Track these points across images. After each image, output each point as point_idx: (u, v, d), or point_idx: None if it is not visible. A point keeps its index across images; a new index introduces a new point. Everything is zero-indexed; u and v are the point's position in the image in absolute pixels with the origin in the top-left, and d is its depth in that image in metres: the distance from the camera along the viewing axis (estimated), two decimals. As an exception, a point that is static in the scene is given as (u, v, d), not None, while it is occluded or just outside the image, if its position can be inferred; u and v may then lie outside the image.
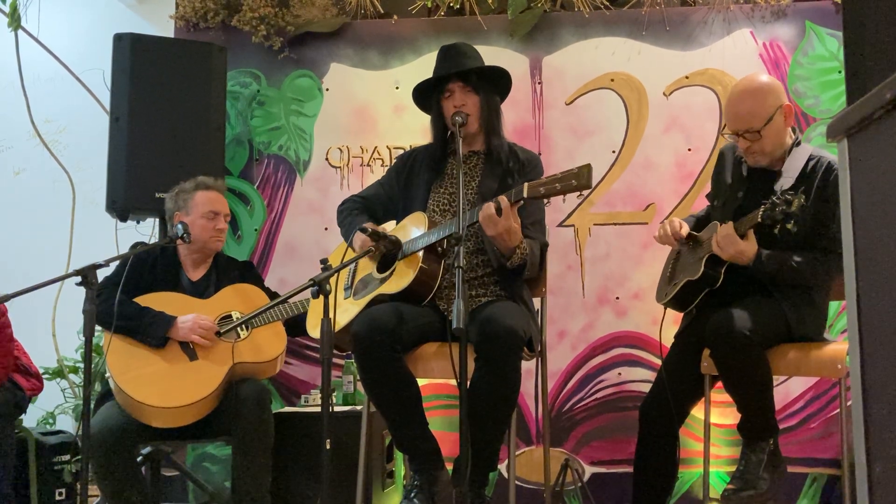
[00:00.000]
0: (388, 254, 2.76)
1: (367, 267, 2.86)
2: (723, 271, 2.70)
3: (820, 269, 2.65)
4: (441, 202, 2.84)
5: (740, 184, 2.83)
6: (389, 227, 2.89)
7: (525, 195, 2.49)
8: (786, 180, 2.67)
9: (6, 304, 3.23)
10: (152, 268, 3.17)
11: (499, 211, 2.50)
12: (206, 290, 3.18)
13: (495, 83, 2.91)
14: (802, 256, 2.65)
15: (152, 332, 2.95)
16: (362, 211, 2.96)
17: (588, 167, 2.39)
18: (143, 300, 3.04)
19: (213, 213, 3.18)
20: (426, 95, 2.94)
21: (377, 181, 3.10)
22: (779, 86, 2.76)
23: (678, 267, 2.91)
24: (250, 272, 3.35)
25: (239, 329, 3.04)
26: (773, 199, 2.49)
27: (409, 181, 2.94)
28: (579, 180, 2.39)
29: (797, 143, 2.77)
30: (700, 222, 2.98)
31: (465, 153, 2.88)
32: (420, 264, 2.62)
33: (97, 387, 3.64)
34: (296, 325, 3.09)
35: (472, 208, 2.65)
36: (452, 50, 2.89)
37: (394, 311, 2.59)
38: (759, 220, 2.52)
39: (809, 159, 2.71)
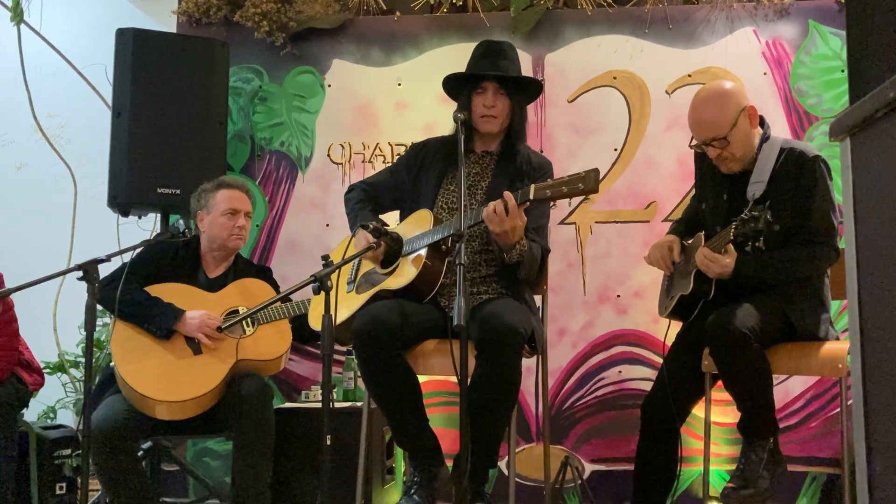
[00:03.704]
0: (390, 251, 2.76)
1: (370, 262, 2.86)
2: (713, 283, 2.70)
3: (803, 260, 2.65)
4: (449, 199, 2.83)
5: (722, 184, 2.81)
6: (394, 220, 2.89)
7: (531, 197, 2.49)
8: (757, 186, 2.67)
9: (10, 298, 3.24)
10: (172, 259, 3.19)
11: (505, 209, 2.50)
12: (221, 288, 3.18)
13: (526, 88, 2.90)
14: (783, 253, 2.66)
15: (159, 323, 2.96)
16: (368, 200, 2.95)
17: (596, 171, 2.38)
18: (152, 290, 3.06)
19: (232, 210, 3.18)
20: (457, 84, 2.90)
21: (387, 168, 3.08)
22: (739, 89, 2.74)
23: (674, 278, 2.91)
24: (267, 278, 3.33)
25: (245, 326, 3.04)
26: (742, 216, 2.50)
27: (420, 174, 2.92)
28: (586, 184, 2.38)
29: (766, 139, 2.74)
30: (689, 225, 2.97)
31: (479, 152, 2.89)
32: (423, 264, 2.62)
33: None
34: (303, 333, 3.09)
35: (477, 207, 2.65)
36: (494, 48, 2.86)
37: (395, 307, 2.59)
38: (732, 237, 2.54)
39: (780, 153, 2.70)
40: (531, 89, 2.93)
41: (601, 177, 3.81)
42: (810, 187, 2.64)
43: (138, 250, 2.97)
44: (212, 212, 3.18)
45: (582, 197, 2.46)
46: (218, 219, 3.16)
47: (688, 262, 2.81)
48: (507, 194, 2.52)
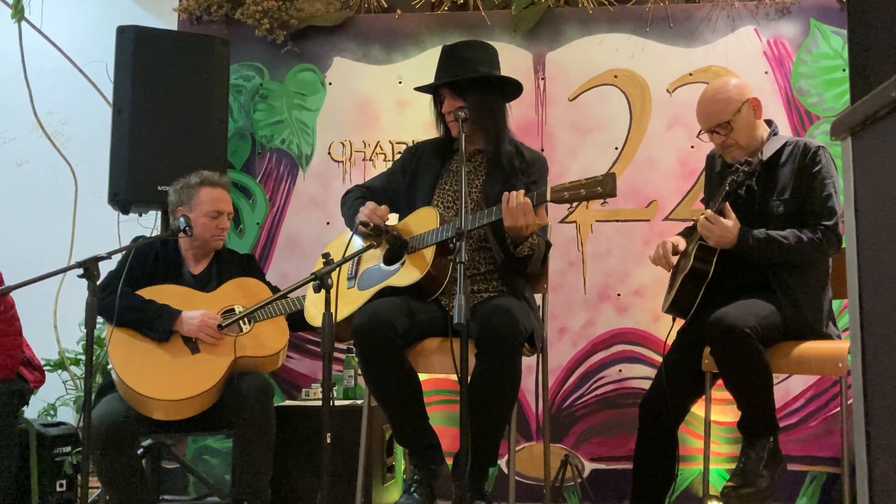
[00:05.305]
0: (392, 248, 2.75)
1: (371, 257, 2.85)
2: (714, 261, 2.70)
3: (805, 241, 2.66)
4: (445, 199, 2.83)
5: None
6: (394, 220, 2.88)
7: (548, 198, 2.48)
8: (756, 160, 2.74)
9: (11, 295, 3.24)
10: (154, 261, 3.17)
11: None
12: (208, 283, 3.18)
13: (496, 85, 2.82)
14: (788, 231, 2.68)
15: (158, 326, 2.95)
16: (366, 199, 2.94)
17: (613, 176, 2.39)
18: (147, 292, 3.04)
19: (216, 212, 3.16)
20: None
21: (383, 172, 3.09)
22: (744, 82, 2.86)
23: (677, 274, 2.91)
24: (251, 265, 3.34)
25: (241, 323, 3.04)
26: (734, 168, 2.64)
27: (415, 176, 2.92)
28: (605, 188, 2.38)
29: (774, 134, 2.84)
30: (694, 231, 2.98)
31: (469, 151, 2.87)
32: (432, 261, 2.62)
33: (98, 379, 3.65)
34: (297, 320, 3.09)
35: (475, 207, 2.64)
36: (450, 54, 2.83)
37: (396, 304, 2.59)
38: (727, 188, 2.62)
39: (785, 145, 2.79)
40: (505, 84, 2.83)
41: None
42: (812, 171, 2.71)
43: (120, 255, 2.94)
44: (194, 210, 3.15)
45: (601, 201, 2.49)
46: (201, 218, 3.13)
47: (690, 245, 2.83)
48: (512, 193, 2.51)
